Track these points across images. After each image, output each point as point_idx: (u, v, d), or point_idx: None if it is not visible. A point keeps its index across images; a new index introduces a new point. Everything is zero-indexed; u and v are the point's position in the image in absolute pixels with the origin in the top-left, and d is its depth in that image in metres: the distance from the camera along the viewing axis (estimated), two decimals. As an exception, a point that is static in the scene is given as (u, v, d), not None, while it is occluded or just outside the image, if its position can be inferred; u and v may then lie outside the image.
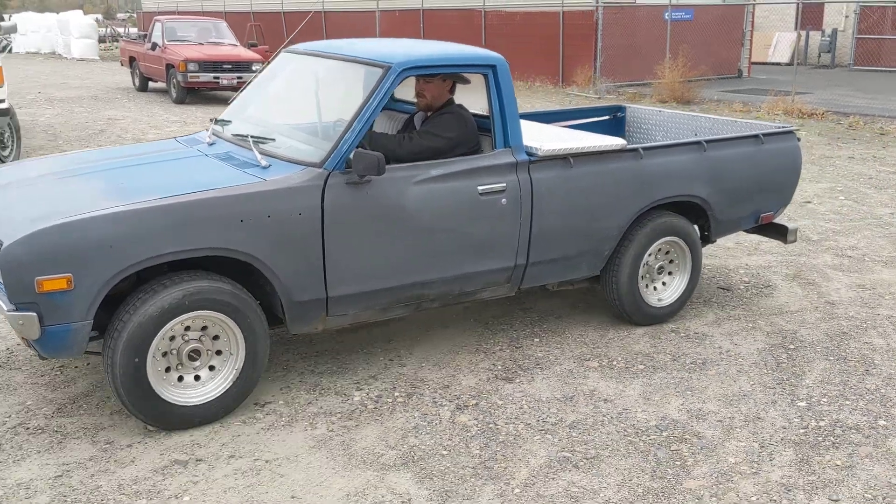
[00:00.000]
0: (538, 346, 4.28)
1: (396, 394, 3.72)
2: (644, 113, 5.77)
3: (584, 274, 4.33)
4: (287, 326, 3.58)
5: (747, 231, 4.99)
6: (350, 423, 3.46)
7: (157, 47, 15.53)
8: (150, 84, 17.13)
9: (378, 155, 3.42)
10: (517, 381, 3.88)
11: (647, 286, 4.54)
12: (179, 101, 14.93)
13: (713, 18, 19.71)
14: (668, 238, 4.48)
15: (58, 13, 33.70)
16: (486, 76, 3.95)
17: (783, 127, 4.99)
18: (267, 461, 3.16)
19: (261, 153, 3.66)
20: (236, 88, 15.16)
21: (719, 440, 3.35)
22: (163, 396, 3.28)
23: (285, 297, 3.47)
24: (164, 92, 16.15)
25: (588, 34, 18.03)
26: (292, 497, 2.93)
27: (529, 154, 3.99)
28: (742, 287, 5.22)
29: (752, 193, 4.76)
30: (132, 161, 4.01)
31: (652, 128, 5.73)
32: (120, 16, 60.79)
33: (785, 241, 5.00)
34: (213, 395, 3.40)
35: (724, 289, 5.17)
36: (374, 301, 3.71)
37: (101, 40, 33.16)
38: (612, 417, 3.54)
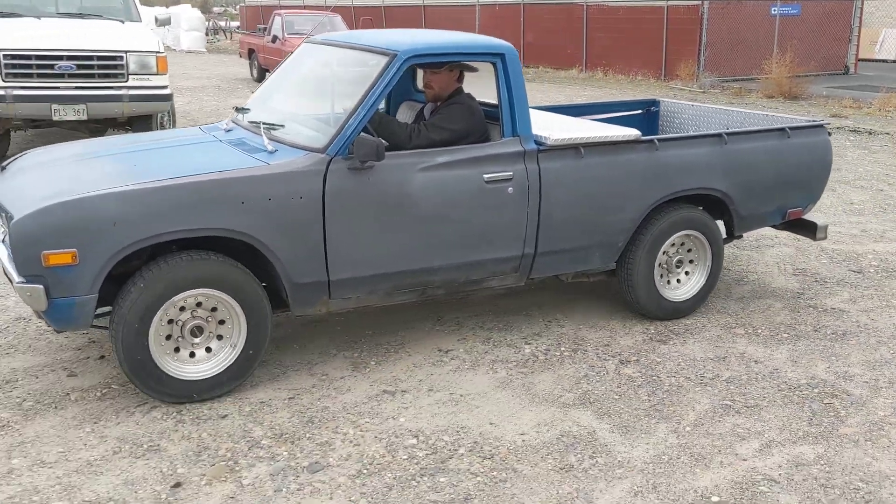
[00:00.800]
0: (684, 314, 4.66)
1: (562, 349, 4.16)
2: (678, 107, 5.72)
3: (597, 266, 4.30)
4: (290, 308, 3.66)
5: (775, 227, 4.93)
6: (526, 370, 3.92)
7: (278, 40, 16.36)
8: (268, 75, 18.03)
9: (378, 141, 3.50)
10: (671, 342, 4.27)
11: (664, 280, 4.49)
12: (297, 90, 15.72)
13: (820, 14, 19.41)
14: (685, 231, 4.42)
15: (167, 7, 35.44)
16: (494, 65, 3.94)
17: (813, 121, 4.89)
18: (461, 395, 3.65)
19: (270, 139, 3.73)
20: (350, 79, 15.88)
21: (868, 397, 3.68)
22: (164, 369, 3.41)
23: (287, 279, 3.54)
24: (281, 82, 17.00)
25: (693, 28, 18.05)
26: (490, 423, 3.40)
27: (538, 143, 3.96)
28: (872, 270, 5.46)
29: (777, 188, 4.65)
30: (150, 146, 4.17)
31: (685, 122, 5.65)
32: (216, 9, 63.03)
33: (814, 237, 4.86)
34: (213, 372, 3.50)
35: (855, 272, 5.42)
36: (377, 286, 3.77)
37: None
38: (764, 375, 3.90)
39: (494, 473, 3.04)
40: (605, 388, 3.75)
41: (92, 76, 8.09)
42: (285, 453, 3.14)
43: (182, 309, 3.42)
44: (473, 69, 4.21)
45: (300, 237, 3.51)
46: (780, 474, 3.07)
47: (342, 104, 3.81)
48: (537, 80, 19.66)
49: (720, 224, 4.68)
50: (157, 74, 8.46)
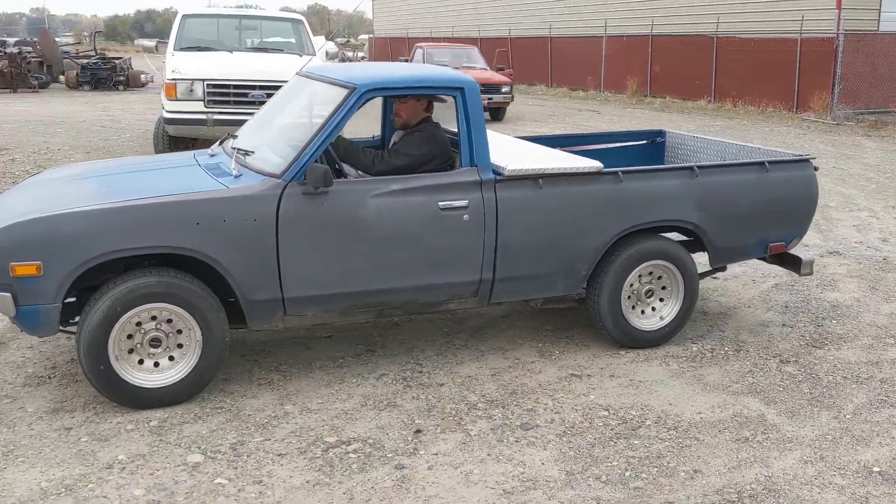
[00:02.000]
0: (837, 325, 5.06)
1: (726, 349, 4.66)
2: (682, 138, 5.80)
3: (560, 292, 4.38)
4: (247, 323, 3.87)
5: (763, 260, 4.97)
6: (695, 364, 4.44)
7: (419, 70, 17.39)
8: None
9: (325, 169, 3.70)
10: (825, 348, 4.70)
11: (633, 308, 4.54)
12: (436, 118, 16.64)
13: (964, 46, 18.95)
14: (654, 262, 4.46)
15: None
16: (455, 98, 4.10)
17: (798, 155, 4.87)
18: (640, 381, 4.21)
19: (240, 164, 3.97)
20: (486, 109, 16.69)
21: None
22: (124, 377, 3.64)
23: (242, 296, 3.75)
24: (419, 110, 18.02)
25: (826, 61, 17.99)
26: (670, 404, 3.95)
27: (496, 173, 4.10)
28: None
29: (755, 222, 4.65)
30: (135, 168, 4.49)
31: (688, 153, 5.72)
32: (339, 40, 66.09)
33: (799, 273, 4.83)
34: (171, 381, 3.73)
35: None
36: (333, 305, 3.96)
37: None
38: (917, 379, 4.28)
39: (680, 440, 3.59)
40: (768, 381, 4.23)
41: (278, 103, 9.14)
42: (499, 415, 3.80)
43: (139, 324, 3.66)
44: (442, 100, 4.32)
45: (254, 257, 3.73)
46: (937, 455, 3.49)
47: (304, 133, 3.99)
48: (665, 111, 19.95)
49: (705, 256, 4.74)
50: (332, 102, 9.44)
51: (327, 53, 14.13)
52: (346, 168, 4.28)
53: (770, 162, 4.68)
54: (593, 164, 4.33)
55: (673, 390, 4.11)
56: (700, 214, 4.50)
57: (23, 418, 3.65)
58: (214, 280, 3.76)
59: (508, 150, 4.67)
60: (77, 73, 23.16)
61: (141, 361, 3.72)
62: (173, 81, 8.93)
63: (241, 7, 11.43)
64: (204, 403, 3.82)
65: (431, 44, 19.42)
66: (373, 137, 5.31)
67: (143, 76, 23.50)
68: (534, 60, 28.35)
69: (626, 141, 5.96)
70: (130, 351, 3.69)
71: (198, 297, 3.69)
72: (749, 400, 4.01)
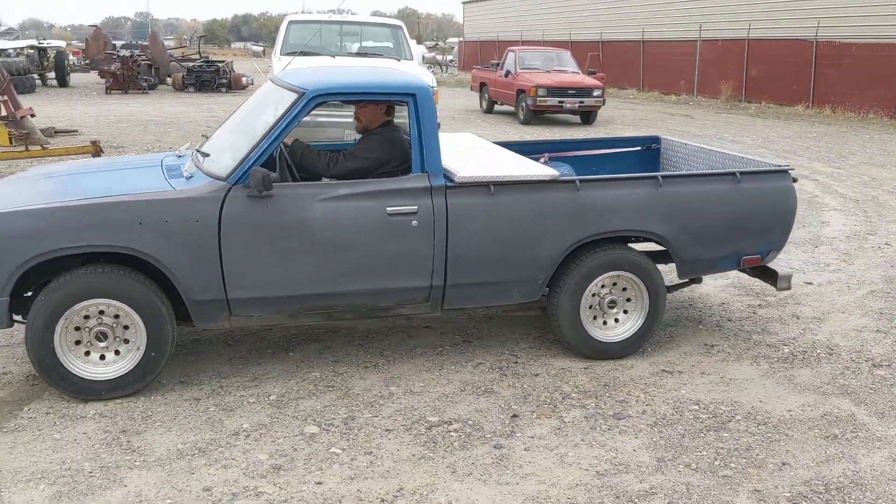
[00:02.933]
0: (933, 333, 5.05)
1: (818, 352, 4.72)
2: (676, 145, 5.70)
3: (517, 300, 4.33)
4: (193, 321, 3.93)
5: (742, 272, 4.87)
6: (786, 365, 4.52)
7: (510, 74, 17.62)
8: (496, 107, 19.36)
9: (264, 172, 3.72)
10: (921, 354, 4.71)
11: (595, 319, 4.45)
12: (526, 122, 16.82)
13: None
14: (615, 272, 4.36)
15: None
16: (407, 104, 4.07)
17: (775, 166, 4.70)
18: (731, 379, 4.33)
19: (197, 166, 4.05)
20: (577, 112, 16.78)
21: None
22: (69, 369, 3.76)
23: (186, 296, 3.82)
24: (510, 114, 18.24)
25: (934, 66, 17.36)
26: (760, 401, 4.06)
27: (448, 179, 4.07)
28: None
29: (726, 234, 4.49)
30: (100, 169, 4.59)
31: (681, 160, 5.60)
32: (427, 43, 66.86)
33: (776, 287, 4.69)
34: (118, 373, 3.83)
35: None
36: (279, 306, 3.99)
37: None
38: None
39: (769, 435, 3.71)
40: (859, 383, 4.28)
41: (377, 106, 9.51)
42: (592, 404, 3.99)
43: (87, 317, 3.76)
44: (398, 104, 4.28)
45: (197, 258, 3.77)
46: None
47: (255, 136, 4.01)
48: (760, 116, 19.60)
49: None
50: (428, 105, 9.75)
51: (423, 57, 14.52)
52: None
53: (742, 173, 4.52)
54: (550, 172, 4.28)
55: (763, 389, 4.21)
56: (665, 225, 4.37)
57: (157, 389, 4.05)
58: (162, 279, 3.86)
59: (472, 157, 4.68)
60: (183, 76, 24.32)
61: (87, 353, 3.84)
62: (280, 84, 9.40)
63: (333, 12, 11.84)
64: (317, 382, 4.15)
65: (523, 47, 19.61)
66: (354, 140, 5.45)
67: (244, 79, 24.48)
68: (625, 64, 28.18)
69: (621, 147, 5.90)
70: (77, 343, 3.81)
71: (143, 295, 3.77)
72: (839, 400, 4.08)
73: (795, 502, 3.17)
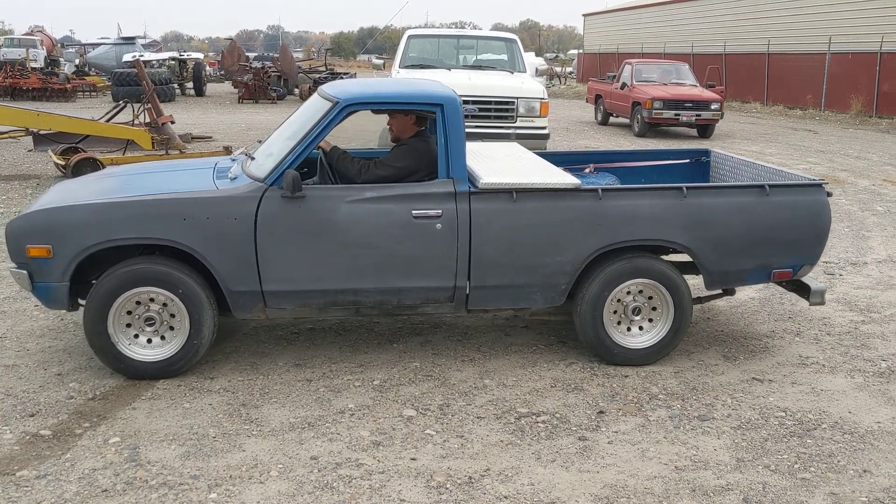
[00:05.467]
0: None
1: (918, 368, 4.67)
2: (723, 158, 5.66)
3: (540, 304, 4.44)
4: (231, 311, 4.25)
5: (779, 285, 4.82)
6: (882, 379, 4.51)
7: (626, 86, 17.60)
8: (611, 119, 19.35)
9: (294, 175, 4.03)
10: None
11: (619, 325, 4.51)
12: (641, 134, 16.77)
13: None
14: (639, 280, 4.42)
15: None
16: (436, 114, 4.27)
17: (807, 179, 4.63)
18: (822, 390, 4.36)
19: (241, 168, 4.38)
20: (694, 125, 16.59)
21: None
22: (121, 350, 4.15)
23: (224, 287, 4.15)
24: (624, 126, 18.21)
25: None
26: (849, 412, 4.09)
27: (472, 184, 4.25)
28: None
29: (754, 247, 4.47)
30: (161, 169, 5.04)
31: (727, 172, 5.58)
32: (547, 55, 66.76)
33: (809, 302, 4.67)
34: (162, 356, 4.20)
35: None
36: (310, 300, 4.25)
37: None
38: None
39: (854, 444, 3.75)
40: (959, 401, 4.23)
41: (489, 117, 9.82)
42: (678, 405, 4.13)
43: (138, 303, 4.14)
44: (430, 115, 4.49)
45: (234, 252, 4.10)
46: None
47: (293, 142, 4.31)
48: (891, 132, 18.76)
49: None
50: (539, 117, 10.00)
51: (537, 70, 14.77)
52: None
53: (772, 185, 4.51)
54: (570, 181, 4.37)
55: (855, 401, 4.23)
56: (688, 236, 4.41)
57: (274, 369, 4.47)
58: (207, 271, 4.21)
59: (500, 164, 4.80)
60: (310, 87, 25.46)
61: (137, 336, 4.22)
62: (397, 95, 9.86)
63: (455, 24, 12.28)
64: (417, 371, 4.47)
65: (640, 60, 19.52)
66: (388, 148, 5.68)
67: (365, 90, 25.35)
68: (749, 77, 27.45)
69: (671, 159, 5.93)
70: (129, 326, 4.20)
71: (188, 285, 4.13)
72: (935, 417, 4.06)
73: (872, 508, 3.24)
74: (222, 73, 30.72)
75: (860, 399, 4.25)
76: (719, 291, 4.88)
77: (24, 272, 4.11)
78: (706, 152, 5.95)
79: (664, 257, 4.65)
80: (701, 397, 4.23)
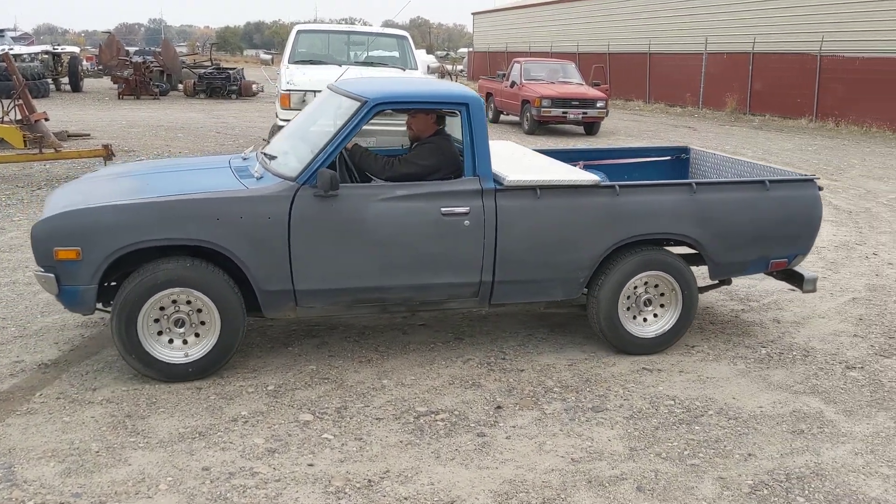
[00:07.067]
0: (909, 338, 5.24)
1: (794, 353, 4.92)
2: (704, 155, 6.00)
3: (559, 297, 4.59)
4: (262, 311, 4.24)
5: (769, 275, 5.13)
6: (762, 365, 4.72)
7: (515, 85, 17.87)
8: (501, 117, 19.61)
9: (332, 174, 4.02)
10: (894, 357, 4.89)
11: (632, 317, 4.71)
12: (530, 132, 17.06)
13: None
14: (651, 272, 4.62)
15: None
16: (460, 112, 4.38)
17: (801, 175, 4.98)
18: (708, 377, 4.53)
19: (264, 168, 4.36)
20: (580, 123, 17.01)
21: None
22: (151, 352, 4.08)
23: (257, 286, 4.13)
24: (515, 124, 18.48)
25: (936, 81, 17.52)
26: (733, 398, 4.26)
27: (497, 182, 4.35)
28: None
29: (755, 239, 4.74)
30: (173, 168, 4.97)
31: (709, 169, 5.90)
32: (439, 53, 67.25)
33: (802, 289, 4.99)
34: (191, 358, 4.14)
35: None
36: (339, 298, 4.27)
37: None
38: (981, 389, 4.45)
39: (738, 429, 3.91)
40: (831, 384, 4.48)
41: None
42: (573, 398, 4.20)
43: (166, 305, 4.07)
44: (453, 114, 4.61)
45: (268, 251, 4.08)
46: None
47: (320, 140, 4.31)
48: (763, 129, 19.79)
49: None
50: (432, 114, 9.99)
51: (429, 67, 14.81)
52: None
53: (771, 181, 4.79)
54: (591, 178, 4.55)
55: (738, 387, 4.41)
56: (698, 229, 4.64)
57: (161, 378, 4.28)
58: (236, 272, 4.17)
59: (517, 162, 4.97)
60: (194, 83, 24.69)
61: (169, 340, 4.14)
62: (288, 92, 9.68)
63: (344, 21, 12.19)
64: (313, 374, 4.37)
65: (529, 59, 19.87)
66: (402, 147, 5.75)
67: (254, 86, 24.83)
68: (632, 76, 28.42)
69: (652, 156, 6.18)
70: (159, 332, 4.12)
71: (219, 285, 4.08)
72: (809, 399, 4.28)
73: (756, 490, 3.38)
74: (100, 67, 29.36)
75: (743, 385, 4.44)
76: (716, 282, 5.12)
77: (52, 276, 3.97)
78: (686, 150, 6.21)
79: (670, 250, 4.83)
80: (594, 389, 4.32)
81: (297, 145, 4.59)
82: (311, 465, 3.47)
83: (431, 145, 4.56)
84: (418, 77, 9.57)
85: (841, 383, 4.49)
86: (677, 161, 6.22)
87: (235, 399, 4.06)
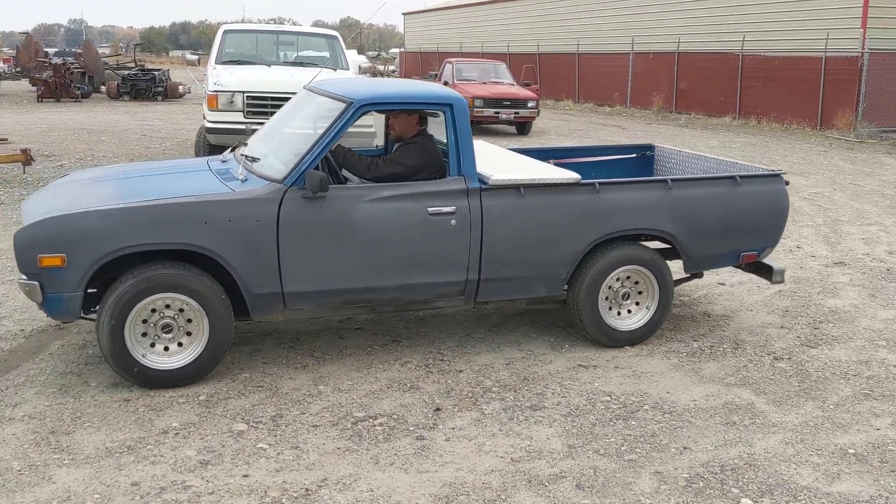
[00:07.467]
0: (833, 328, 5.40)
1: (724, 346, 5.03)
2: (669, 153, 6.17)
3: (542, 293, 4.68)
4: (250, 314, 4.21)
5: (737, 268, 5.29)
6: (694, 359, 4.81)
7: (448, 85, 17.87)
8: (434, 116, 19.60)
9: (322, 175, 4.01)
10: (819, 347, 5.04)
11: (611, 310, 4.83)
12: (463, 131, 17.08)
13: None
14: (629, 267, 4.74)
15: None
16: (444, 113, 4.41)
17: (769, 170, 5.15)
18: (642, 372, 4.59)
19: (247, 170, 4.32)
20: (513, 123, 17.13)
21: None
22: (138, 359, 4.01)
23: (245, 290, 4.09)
24: (447, 123, 18.51)
25: (851, 80, 18.23)
26: (667, 392, 4.33)
27: (482, 182, 4.40)
28: None
29: (727, 232, 4.90)
30: (152, 172, 4.85)
31: (674, 166, 6.06)
32: (370, 53, 66.97)
33: (771, 281, 5.16)
34: (179, 363, 4.09)
35: None
36: (328, 299, 4.27)
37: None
38: (901, 376, 4.62)
39: (673, 422, 3.97)
40: (761, 375, 4.59)
41: (313, 115, 9.63)
42: (511, 397, 4.20)
43: (153, 310, 4.01)
44: (434, 115, 4.66)
45: (257, 254, 4.05)
46: (908, 440, 3.84)
47: (305, 142, 4.30)
48: (689, 127, 20.25)
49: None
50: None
51: (360, 67, 14.69)
52: (348, 174, 4.63)
53: (741, 176, 4.97)
54: (572, 176, 4.63)
55: (672, 381, 4.48)
56: (674, 224, 4.78)
57: (87, 391, 4.12)
58: (220, 275, 4.11)
59: (496, 161, 5.01)
60: (118, 84, 24.00)
61: (153, 345, 4.07)
62: (215, 93, 9.47)
63: (273, 20, 12.02)
64: (246, 382, 4.27)
65: (460, 59, 19.92)
66: (376, 147, 5.75)
67: (180, 87, 24.26)
68: (562, 76, 28.77)
69: (617, 154, 6.32)
70: (144, 335, 4.05)
71: (207, 290, 4.03)
72: (740, 391, 4.37)
73: (692, 482, 3.42)
74: (18, 69, 28.26)
75: (676, 379, 4.51)
76: (688, 276, 5.25)
77: (36, 283, 3.87)
78: (651, 147, 6.36)
79: (645, 244, 4.92)
80: (532, 387, 4.33)
81: (278, 147, 4.57)
82: (245, 475, 3.37)
83: (416, 146, 4.58)
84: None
85: (770, 374, 4.60)
86: (642, 158, 6.35)
87: (166, 410, 3.93)
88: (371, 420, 3.90)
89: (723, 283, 6.33)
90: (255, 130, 9.28)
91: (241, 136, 9.34)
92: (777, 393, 4.35)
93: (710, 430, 3.89)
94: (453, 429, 3.84)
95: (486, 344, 4.94)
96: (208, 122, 9.60)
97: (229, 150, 5.06)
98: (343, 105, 4.29)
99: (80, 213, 3.92)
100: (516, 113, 16.80)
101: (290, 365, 4.53)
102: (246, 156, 4.53)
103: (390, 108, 4.57)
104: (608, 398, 4.23)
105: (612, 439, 3.78)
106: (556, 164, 5.84)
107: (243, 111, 9.41)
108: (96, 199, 4.16)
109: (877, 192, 10.86)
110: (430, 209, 4.30)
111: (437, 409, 4.03)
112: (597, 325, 4.79)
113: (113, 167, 5.48)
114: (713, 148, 15.68)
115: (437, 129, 4.80)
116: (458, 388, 4.30)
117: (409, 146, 4.60)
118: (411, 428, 3.83)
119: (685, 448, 3.71)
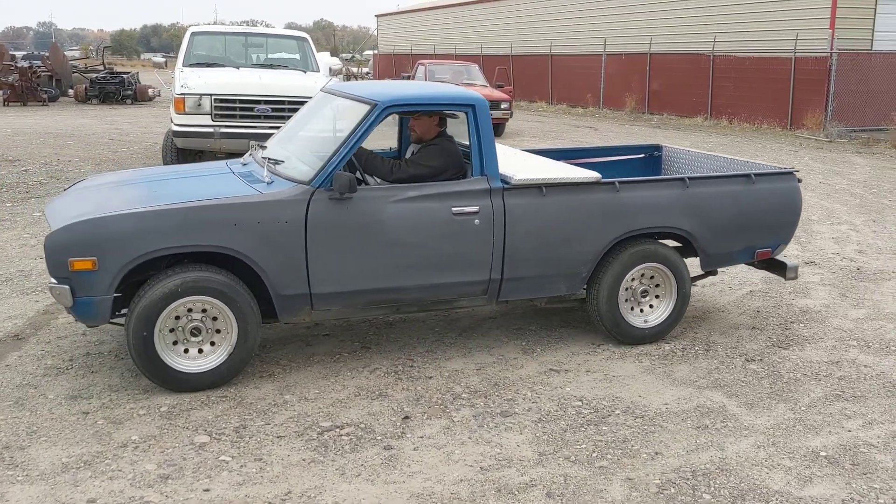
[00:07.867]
0: (804, 328, 5.39)
1: (696, 349, 4.99)
2: (677, 152, 6.22)
3: (563, 292, 4.72)
4: (278, 316, 4.22)
5: (751, 265, 5.34)
6: (666, 362, 4.77)
7: (420, 86, 17.81)
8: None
9: (350, 176, 4.05)
10: (790, 348, 5.02)
11: (631, 308, 4.88)
12: (437, 133, 17.02)
13: (956, 65, 19.33)
14: (648, 264, 4.79)
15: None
16: (466, 114, 4.47)
17: (783, 168, 5.23)
18: (614, 376, 4.54)
19: (271, 172, 4.33)
20: (486, 124, 17.05)
21: (964, 397, 4.33)
22: (167, 363, 4.01)
23: (274, 291, 4.11)
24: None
25: (820, 80, 18.39)
26: (639, 396, 4.28)
27: (504, 182, 4.45)
28: (984, 303, 5.99)
29: (742, 230, 4.97)
30: (175, 176, 4.90)
31: (683, 165, 6.13)
32: (343, 55, 66.66)
33: (785, 277, 5.21)
34: (208, 367, 4.10)
35: (967, 302, 5.97)
36: (354, 300, 4.31)
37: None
38: (871, 376, 4.61)
39: (645, 427, 3.92)
40: (733, 377, 4.55)
41: (283, 118, 9.49)
42: (481, 403, 4.13)
43: (178, 317, 4.00)
44: (454, 116, 4.71)
45: (285, 256, 4.08)
46: (878, 442, 3.82)
47: (330, 144, 4.36)
48: (662, 128, 20.33)
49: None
50: (334, 117, 9.81)
51: (331, 69, 14.58)
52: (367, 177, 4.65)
53: (756, 174, 5.04)
54: (592, 175, 4.70)
55: (643, 384, 4.43)
56: (691, 222, 4.85)
57: (44, 404, 3.99)
58: (246, 276, 4.13)
59: (515, 162, 5.04)
60: (86, 87, 23.63)
61: (186, 351, 4.07)
62: (182, 96, 9.31)
63: (246, 23, 11.88)
64: (209, 392, 4.15)
65: (433, 61, 19.85)
66: (389, 149, 5.72)
67: (150, 90, 23.96)
68: (535, 77, 28.80)
69: (625, 154, 6.38)
70: (174, 342, 4.05)
71: (235, 292, 4.04)
72: (712, 393, 4.33)
73: (664, 488, 3.37)
74: (-16, 73, 27.74)
75: (648, 382, 4.46)
76: (703, 273, 5.31)
77: (66, 287, 3.86)
78: (658, 147, 6.40)
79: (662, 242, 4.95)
80: (503, 393, 4.26)
81: (299, 149, 4.62)
82: (207, 490, 3.27)
83: (438, 147, 4.62)
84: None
85: (742, 376, 4.57)
86: (650, 158, 6.40)
87: (125, 423, 3.81)
88: (338, 430, 3.81)
89: (694, 285, 6.30)
90: (223, 134, 9.25)
91: (208, 139, 9.33)
92: (749, 395, 4.32)
93: (681, 435, 3.84)
94: (422, 437, 3.76)
95: (457, 349, 4.87)
96: (175, 125, 9.45)
97: (248, 153, 5.02)
98: (368, 107, 4.33)
99: (111, 217, 3.93)
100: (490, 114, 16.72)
101: (255, 373, 4.42)
102: (269, 158, 4.51)
103: (415, 109, 4.56)
104: (580, 403, 4.17)
105: (584, 445, 3.72)
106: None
107: (211, 114, 9.27)
108: (124, 202, 4.18)
109: (846, 192, 10.93)
110: (454, 209, 4.34)
111: (406, 418, 3.95)
112: (615, 322, 4.82)
113: (133, 171, 5.43)
114: (685, 148, 15.72)
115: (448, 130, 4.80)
116: (428, 395, 4.22)
117: (432, 147, 4.63)
118: (379, 437, 3.75)
119: (657, 453, 3.66)
